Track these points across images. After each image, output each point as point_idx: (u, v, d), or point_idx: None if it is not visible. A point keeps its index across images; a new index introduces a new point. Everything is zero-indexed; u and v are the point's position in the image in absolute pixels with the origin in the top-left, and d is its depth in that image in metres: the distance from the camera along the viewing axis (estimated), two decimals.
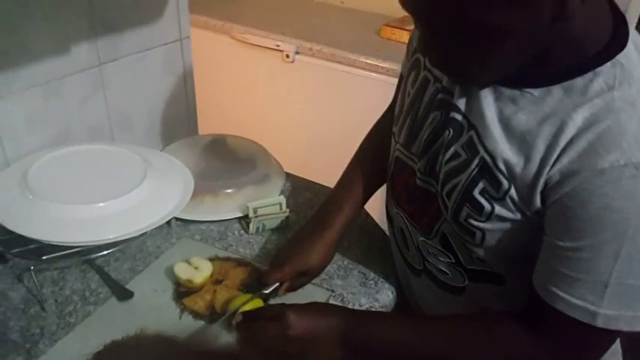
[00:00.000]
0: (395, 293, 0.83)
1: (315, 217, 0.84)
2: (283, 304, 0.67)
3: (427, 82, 0.70)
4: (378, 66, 1.60)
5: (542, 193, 0.57)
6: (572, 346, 0.60)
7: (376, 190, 0.88)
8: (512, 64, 0.57)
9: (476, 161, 0.62)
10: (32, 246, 0.75)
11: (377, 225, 0.97)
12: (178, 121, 1.16)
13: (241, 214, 0.94)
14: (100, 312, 0.75)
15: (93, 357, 0.68)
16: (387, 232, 0.89)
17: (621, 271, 0.54)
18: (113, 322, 0.73)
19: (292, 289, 0.79)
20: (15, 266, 0.81)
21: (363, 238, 0.93)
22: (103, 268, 0.82)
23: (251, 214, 0.91)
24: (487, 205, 0.61)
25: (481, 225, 0.63)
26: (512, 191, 0.59)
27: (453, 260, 0.70)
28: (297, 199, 1.01)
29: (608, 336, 0.58)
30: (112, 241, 0.77)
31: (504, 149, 0.59)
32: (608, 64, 0.55)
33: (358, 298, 0.80)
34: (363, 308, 0.79)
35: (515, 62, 0.56)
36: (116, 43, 0.96)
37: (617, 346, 0.77)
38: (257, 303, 0.73)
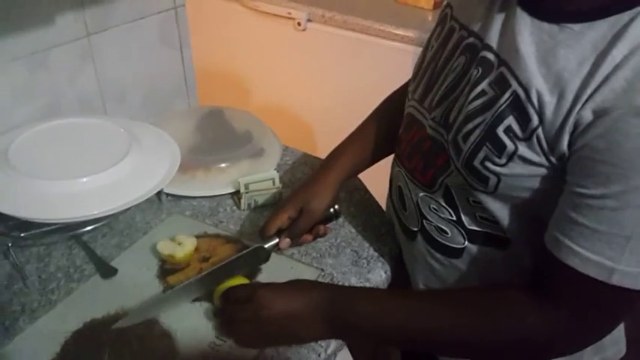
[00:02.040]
0: (389, 272, 0.80)
1: (319, 166, 0.84)
2: (258, 283, 0.65)
3: (452, 31, 0.67)
4: (393, 33, 1.52)
5: (572, 135, 0.53)
6: (585, 310, 0.56)
7: (386, 150, 0.84)
8: None
9: (506, 95, 0.57)
10: (12, 222, 0.74)
11: (376, 203, 0.92)
12: (176, 93, 1.13)
13: (234, 190, 0.91)
14: (83, 289, 0.74)
15: (71, 335, 0.66)
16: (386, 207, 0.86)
17: None
18: (95, 300, 0.72)
19: (292, 237, 0.76)
20: (2, 242, 0.80)
21: (360, 215, 0.89)
22: (90, 244, 0.80)
23: (242, 190, 0.88)
24: (510, 145, 0.57)
25: (498, 169, 0.59)
26: (540, 130, 0.55)
27: (454, 217, 0.66)
28: (295, 174, 0.98)
29: (625, 296, 0.53)
30: (96, 216, 0.75)
31: (539, 83, 0.54)
32: None
33: (348, 278, 0.76)
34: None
35: None
36: (105, 13, 0.92)
37: (620, 333, 0.72)
38: (240, 281, 0.71)
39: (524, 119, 0.56)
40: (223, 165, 0.93)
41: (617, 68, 0.50)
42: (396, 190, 0.78)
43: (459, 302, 0.63)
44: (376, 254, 0.81)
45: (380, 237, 0.84)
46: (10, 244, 0.76)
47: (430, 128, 0.68)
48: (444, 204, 0.67)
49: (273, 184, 0.90)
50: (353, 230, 0.85)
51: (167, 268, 0.77)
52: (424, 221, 0.71)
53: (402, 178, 0.75)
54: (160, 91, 1.09)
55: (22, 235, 0.75)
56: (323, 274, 0.77)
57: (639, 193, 0.49)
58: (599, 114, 0.50)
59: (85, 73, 0.93)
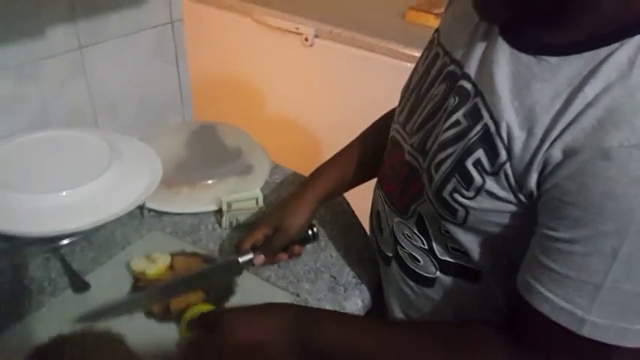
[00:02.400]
0: (367, 301, 0.78)
1: (299, 184, 0.83)
2: (224, 309, 0.63)
3: (437, 57, 0.66)
4: (400, 52, 1.51)
5: (541, 174, 0.50)
6: (558, 359, 0.53)
7: (370, 172, 0.83)
8: None
9: (478, 127, 0.55)
10: None
11: (361, 227, 0.91)
12: (170, 107, 1.13)
13: (217, 208, 0.90)
14: (54, 303, 0.73)
15: (34, 351, 0.66)
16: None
17: (618, 272, 0.47)
18: (65, 315, 0.70)
19: (267, 254, 0.76)
20: None
21: (344, 238, 0.87)
22: (67, 258, 0.80)
23: (224, 208, 0.86)
24: (478, 178, 0.55)
25: (466, 202, 0.57)
26: (508, 165, 0.52)
27: (426, 246, 0.65)
28: (280, 194, 0.97)
29: (599, 350, 0.49)
30: (73, 231, 0.75)
31: (510, 117, 0.52)
32: (634, 39, 0.47)
33: (323, 305, 0.74)
34: None
35: None
36: (98, 26, 0.93)
37: None
38: (206, 308, 0.69)
39: (493, 153, 0.54)
40: (209, 182, 0.93)
41: (588, 106, 0.47)
42: (375, 214, 0.77)
43: (430, 335, 0.60)
44: (355, 281, 0.79)
45: (361, 262, 0.82)
46: None
47: (408, 154, 0.67)
48: (416, 232, 0.66)
49: (257, 203, 0.89)
50: (334, 254, 0.84)
51: (140, 286, 0.76)
52: (398, 247, 0.69)
53: (381, 202, 0.74)
54: (153, 105, 1.09)
55: None
56: (298, 299, 0.75)
57: (607, 239, 0.47)
58: (568, 154, 0.48)
59: (76, 85, 0.94)
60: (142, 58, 1.03)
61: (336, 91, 1.77)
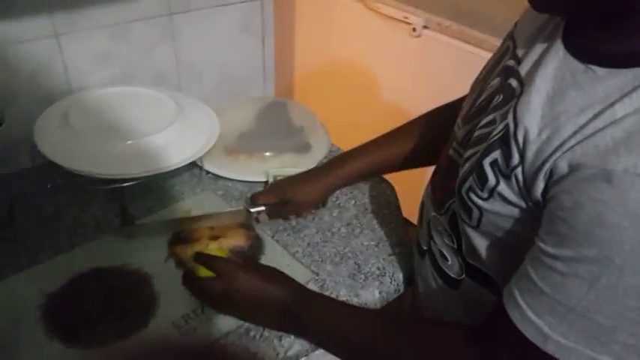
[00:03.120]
0: (384, 294, 0.76)
1: (330, 160, 0.86)
2: (237, 261, 0.69)
3: (507, 50, 0.63)
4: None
5: (547, 182, 0.47)
6: None
7: (405, 163, 0.83)
8: None
9: (500, 127, 0.54)
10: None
11: (402, 221, 0.89)
12: (252, 80, 1.18)
13: (266, 179, 0.94)
14: (103, 240, 0.82)
15: (77, 275, 0.74)
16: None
17: (592, 301, 0.43)
18: (108, 252, 0.79)
19: (273, 215, 0.84)
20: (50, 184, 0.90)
21: (380, 229, 0.86)
22: (126, 202, 0.89)
23: (270, 180, 0.90)
24: (492, 179, 0.53)
25: (480, 202, 0.55)
26: (520, 170, 0.50)
27: (456, 246, 0.63)
28: None
29: None
30: (133, 176, 0.83)
31: (532, 121, 0.50)
32: None
33: (338, 289, 0.75)
34: (340, 299, 0.73)
35: None
36: None
37: None
38: (222, 254, 0.74)
39: (508, 155, 0.51)
40: (267, 154, 0.97)
41: (612, 124, 0.43)
42: (421, 204, 0.76)
43: (404, 327, 0.61)
44: (378, 272, 0.78)
45: (390, 256, 0.81)
46: (49, 185, 0.87)
47: (452, 148, 0.66)
48: (448, 229, 0.64)
49: None
50: (366, 243, 0.83)
51: (180, 238, 0.82)
52: (431, 242, 0.68)
53: (427, 194, 0.73)
54: (236, 77, 1.15)
55: (70, 181, 0.85)
56: (316, 278, 0.76)
57: (589, 265, 0.43)
58: (573, 168, 0.44)
59: (164, 49, 1.02)
60: (228, 30, 1.09)
61: (439, 84, 1.72)
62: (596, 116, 0.45)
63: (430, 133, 0.82)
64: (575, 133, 0.45)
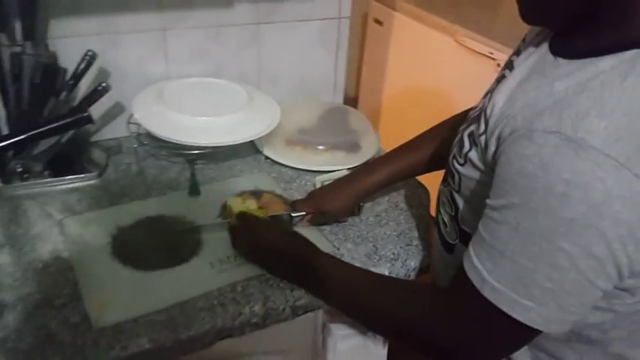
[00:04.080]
0: (392, 275, 0.85)
1: (358, 169, 0.95)
2: (266, 219, 0.82)
3: (517, 49, 0.73)
4: None
5: (497, 146, 0.57)
6: (460, 314, 0.59)
7: (435, 165, 0.90)
8: (562, 5, 0.56)
9: (480, 105, 0.66)
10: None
11: (429, 220, 0.97)
12: (323, 89, 1.33)
13: (316, 169, 1.07)
14: (171, 196, 0.99)
15: (146, 218, 0.92)
16: None
17: (517, 245, 0.52)
18: (173, 205, 0.96)
19: (312, 222, 0.91)
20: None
21: (405, 223, 0.95)
22: (197, 170, 1.06)
23: (317, 186, 1.00)
24: (467, 145, 0.64)
25: (459, 167, 0.66)
26: (483, 137, 0.60)
27: (453, 213, 0.72)
28: None
29: (497, 315, 0.54)
30: (204, 145, 1.00)
31: (500, 97, 0.60)
32: (629, 53, 0.51)
33: (353, 263, 0.85)
34: None
35: (566, 6, 0.55)
36: (276, 9, 1.17)
37: None
38: (258, 213, 0.88)
39: (478, 125, 0.61)
40: (320, 147, 1.10)
41: (547, 96, 0.52)
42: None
43: (389, 281, 0.73)
44: (392, 257, 0.87)
45: (408, 246, 0.90)
46: (135, 146, 1.07)
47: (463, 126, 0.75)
48: (449, 197, 0.73)
49: None
50: (388, 233, 0.93)
51: (225, 211, 0.95)
52: (438, 213, 0.78)
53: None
54: (309, 85, 1.31)
55: (145, 143, 1.04)
56: (335, 252, 0.87)
57: (514, 212, 0.51)
58: (511, 131, 0.53)
59: (249, 52, 1.20)
60: (306, 43, 1.25)
61: None
62: (540, 91, 0.54)
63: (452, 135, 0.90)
64: (522, 105, 0.55)
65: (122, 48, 1.08)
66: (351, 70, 1.38)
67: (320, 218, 0.92)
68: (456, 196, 0.68)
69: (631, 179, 0.46)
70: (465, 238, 0.69)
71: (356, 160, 1.10)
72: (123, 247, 0.85)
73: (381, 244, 0.90)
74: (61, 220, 0.90)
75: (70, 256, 0.83)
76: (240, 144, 1.04)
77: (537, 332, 0.54)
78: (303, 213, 0.90)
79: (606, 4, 0.52)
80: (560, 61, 0.56)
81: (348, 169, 1.03)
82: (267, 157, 1.11)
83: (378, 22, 2.30)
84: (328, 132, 1.14)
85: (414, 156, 0.91)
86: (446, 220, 0.74)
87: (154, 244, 0.87)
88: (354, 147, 1.11)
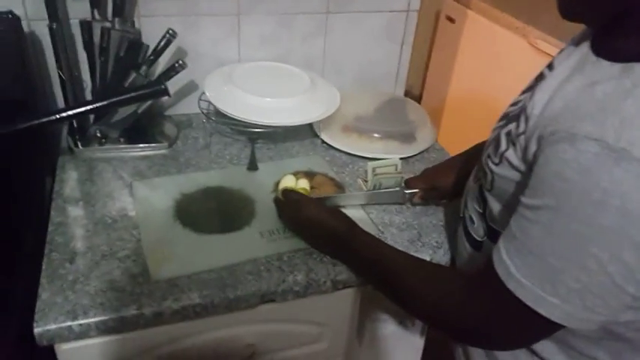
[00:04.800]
0: (434, 262, 0.87)
1: (470, 148, 0.97)
2: (309, 197, 0.87)
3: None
4: None
5: (537, 146, 0.57)
6: (484, 304, 0.60)
7: None
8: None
9: (520, 104, 0.66)
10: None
11: None
12: (385, 80, 1.36)
13: (369, 156, 1.09)
14: (232, 169, 1.06)
15: (206, 188, 0.99)
16: None
17: (547, 246, 0.53)
18: (233, 178, 1.03)
19: (425, 198, 0.96)
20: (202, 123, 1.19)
21: (452, 214, 0.96)
22: (257, 148, 1.12)
23: (370, 172, 1.01)
24: (504, 145, 0.65)
25: (493, 167, 0.66)
26: (523, 136, 0.61)
27: (482, 210, 0.73)
28: (416, 166, 1.10)
29: (520, 309, 0.55)
30: (265, 124, 1.05)
31: (542, 97, 0.60)
32: None
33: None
34: None
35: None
36: (347, 0, 1.21)
37: None
38: (301, 189, 0.92)
39: (518, 125, 0.62)
40: (375, 135, 1.13)
41: (589, 100, 0.52)
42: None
43: (420, 262, 0.75)
44: (434, 245, 0.89)
45: (451, 236, 0.91)
46: (204, 121, 1.15)
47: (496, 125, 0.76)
48: (477, 194, 0.74)
49: (396, 169, 1.04)
50: (434, 222, 0.95)
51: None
52: (465, 209, 0.78)
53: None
54: (372, 74, 1.34)
55: (212, 118, 1.11)
56: (380, 235, 0.90)
57: (548, 213, 0.52)
58: (552, 132, 0.54)
59: (316, 41, 1.25)
60: (373, 34, 1.28)
61: None
62: (582, 93, 0.54)
63: None
64: (563, 107, 0.55)
65: (200, 29, 1.16)
66: (418, 67, 1.39)
67: (433, 194, 0.95)
68: (487, 194, 0.69)
69: None
70: (494, 236, 0.70)
71: (410, 150, 1.12)
72: (184, 211, 0.92)
73: (425, 232, 0.92)
74: (131, 183, 0.99)
75: (137, 215, 0.91)
76: (299, 127, 1.09)
77: (560, 327, 0.55)
78: (416, 190, 0.94)
79: None
80: (603, 62, 0.56)
81: (401, 158, 1.05)
82: (323, 142, 1.15)
83: (450, 19, 2.28)
84: (385, 121, 1.17)
85: None
86: (473, 216, 0.75)
87: (212, 211, 0.94)
88: (409, 138, 1.13)
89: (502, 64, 2.06)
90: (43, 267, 0.79)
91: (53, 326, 0.71)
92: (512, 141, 0.62)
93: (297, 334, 0.90)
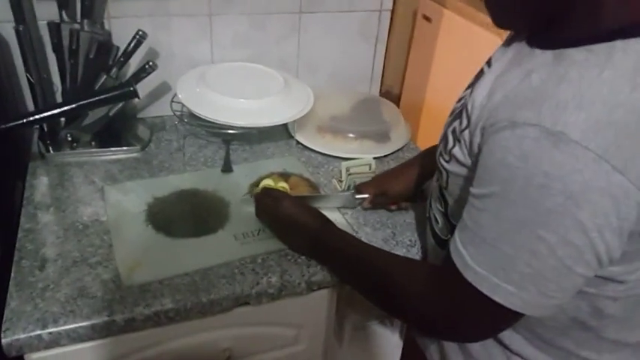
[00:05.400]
0: None
1: (419, 154, 0.99)
2: (286, 194, 0.88)
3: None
4: None
5: (482, 138, 0.58)
6: (446, 296, 0.61)
7: None
8: (528, 7, 0.58)
9: (462, 101, 0.68)
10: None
11: None
12: (360, 79, 1.36)
13: (344, 156, 1.09)
14: (205, 172, 1.05)
15: (180, 191, 0.98)
16: None
17: (497, 232, 0.54)
18: (206, 180, 1.02)
19: (374, 204, 0.96)
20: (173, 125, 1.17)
21: (425, 211, 0.96)
22: (231, 149, 1.11)
23: (344, 172, 1.02)
24: (451, 142, 0.66)
25: (445, 164, 0.68)
26: (467, 131, 0.62)
27: (443, 209, 0.74)
28: (389, 164, 1.11)
29: (479, 299, 0.56)
30: (239, 126, 1.05)
31: (481, 92, 0.62)
32: (604, 45, 0.52)
33: None
34: None
35: (532, 7, 0.57)
36: None
37: None
38: (280, 186, 0.93)
39: (461, 121, 0.63)
40: (350, 135, 1.13)
41: (527, 89, 0.54)
42: None
43: (391, 256, 0.75)
44: (408, 243, 0.90)
45: (424, 236, 0.91)
46: (176, 123, 1.13)
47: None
48: (438, 193, 0.75)
49: (370, 168, 1.04)
50: (408, 220, 0.95)
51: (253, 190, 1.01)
52: (430, 208, 0.79)
53: None
54: (346, 74, 1.34)
55: (195, 125, 1.10)
56: (354, 234, 0.90)
57: (494, 200, 0.53)
58: (493, 122, 0.55)
59: (290, 41, 1.24)
60: (347, 33, 1.28)
61: None
62: (519, 82, 0.55)
63: None
64: (502, 97, 0.56)
65: (171, 30, 1.14)
66: (397, 66, 1.40)
67: (382, 200, 0.95)
68: (445, 192, 0.70)
69: (608, 171, 0.47)
70: None
71: (384, 150, 1.12)
72: (157, 215, 0.91)
73: (399, 231, 0.92)
74: (102, 187, 0.98)
75: (108, 220, 0.89)
76: (274, 128, 1.09)
77: (520, 315, 0.56)
78: (366, 196, 0.94)
79: (574, 2, 0.54)
80: (536, 51, 0.57)
81: (375, 157, 1.05)
82: (298, 142, 1.15)
83: (427, 18, 2.30)
84: (359, 121, 1.17)
85: None
86: (437, 216, 0.76)
87: (185, 215, 0.93)
88: (383, 137, 1.14)
89: (479, 62, 2.08)
90: (12, 275, 0.78)
91: (22, 335, 0.69)
92: (457, 138, 0.64)
93: (273, 336, 0.89)
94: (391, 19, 1.31)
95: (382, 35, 1.31)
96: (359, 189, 0.97)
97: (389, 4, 1.27)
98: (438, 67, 2.32)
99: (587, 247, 0.50)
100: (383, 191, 0.94)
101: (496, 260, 0.54)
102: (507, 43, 0.66)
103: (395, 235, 0.91)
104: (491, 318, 0.58)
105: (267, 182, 0.95)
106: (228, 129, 1.06)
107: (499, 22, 0.62)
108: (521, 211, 0.51)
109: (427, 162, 0.94)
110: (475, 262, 0.55)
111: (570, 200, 0.48)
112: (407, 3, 1.30)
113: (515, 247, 0.52)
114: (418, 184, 0.95)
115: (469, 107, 0.62)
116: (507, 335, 0.68)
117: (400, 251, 0.88)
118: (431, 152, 0.95)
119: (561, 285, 0.53)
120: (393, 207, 0.97)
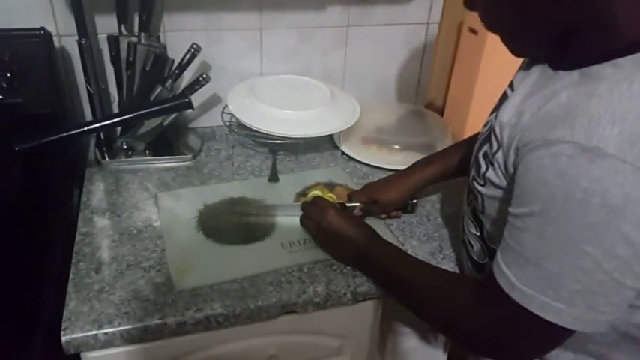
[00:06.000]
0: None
1: (413, 164, 0.98)
2: (335, 204, 0.88)
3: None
4: None
5: (515, 160, 0.59)
6: (494, 315, 0.61)
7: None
8: (542, 35, 0.59)
9: (488, 125, 0.68)
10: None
11: None
12: (405, 92, 1.36)
13: (389, 167, 1.10)
14: (253, 180, 1.07)
15: (229, 199, 1.00)
16: None
17: (542, 251, 0.53)
18: (255, 189, 1.04)
19: (364, 211, 0.95)
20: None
21: None
22: (278, 159, 1.13)
23: None
24: (483, 166, 0.66)
25: (480, 188, 0.68)
26: (499, 154, 0.62)
27: (478, 233, 0.74)
28: None
29: (528, 318, 0.55)
30: (286, 136, 1.07)
31: (507, 114, 0.62)
32: (629, 57, 0.52)
33: None
34: None
35: (545, 35, 0.59)
36: (366, 12, 1.22)
37: None
38: (327, 196, 0.94)
39: (491, 145, 0.63)
40: (395, 147, 1.14)
41: (557, 107, 0.54)
42: None
43: (435, 270, 0.75)
44: (455, 257, 0.89)
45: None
46: (226, 133, 1.17)
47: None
48: (472, 218, 0.74)
49: None
50: (455, 234, 0.94)
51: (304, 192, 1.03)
52: (464, 233, 0.79)
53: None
54: (392, 87, 1.34)
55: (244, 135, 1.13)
56: (400, 247, 0.90)
57: (536, 219, 0.53)
58: (527, 143, 0.55)
59: (336, 54, 1.26)
60: (393, 46, 1.29)
61: None
62: (547, 102, 0.56)
63: None
64: (532, 117, 0.56)
65: (223, 44, 1.18)
66: (441, 79, 1.40)
67: (373, 208, 0.95)
68: (481, 216, 0.69)
69: None
70: (493, 256, 0.70)
71: None
72: (207, 221, 0.94)
73: (446, 244, 0.92)
74: (156, 194, 1.01)
75: (161, 226, 0.93)
76: (319, 139, 1.10)
77: (570, 332, 0.55)
78: (357, 204, 0.94)
79: (585, 23, 0.54)
80: (561, 73, 0.58)
81: None
82: (343, 153, 1.16)
83: (473, 31, 2.28)
84: (404, 133, 1.17)
85: (465, 156, 0.92)
86: (472, 241, 0.75)
87: (234, 222, 0.95)
88: (429, 149, 1.13)
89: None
90: (71, 276, 0.81)
91: (80, 334, 0.72)
92: (489, 161, 0.64)
93: (318, 345, 0.90)
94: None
95: (429, 48, 1.31)
96: (350, 197, 0.97)
97: (437, 17, 1.27)
98: (484, 80, 2.29)
99: (634, 258, 0.50)
100: (374, 200, 0.94)
101: (543, 279, 0.53)
102: (527, 67, 0.67)
103: (442, 249, 0.91)
104: (542, 336, 0.57)
105: (315, 192, 0.97)
106: (276, 139, 1.09)
107: (518, 53, 0.64)
108: (563, 228, 0.51)
109: (419, 172, 0.95)
110: (521, 282, 0.55)
111: (613, 214, 0.48)
112: (452, 15, 1.31)
113: (561, 265, 0.52)
114: (409, 193, 0.95)
115: (497, 130, 0.62)
116: (555, 355, 0.67)
117: (447, 265, 0.87)
118: (423, 163, 0.97)
119: (611, 299, 0.52)
120: (383, 216, 0.97)
